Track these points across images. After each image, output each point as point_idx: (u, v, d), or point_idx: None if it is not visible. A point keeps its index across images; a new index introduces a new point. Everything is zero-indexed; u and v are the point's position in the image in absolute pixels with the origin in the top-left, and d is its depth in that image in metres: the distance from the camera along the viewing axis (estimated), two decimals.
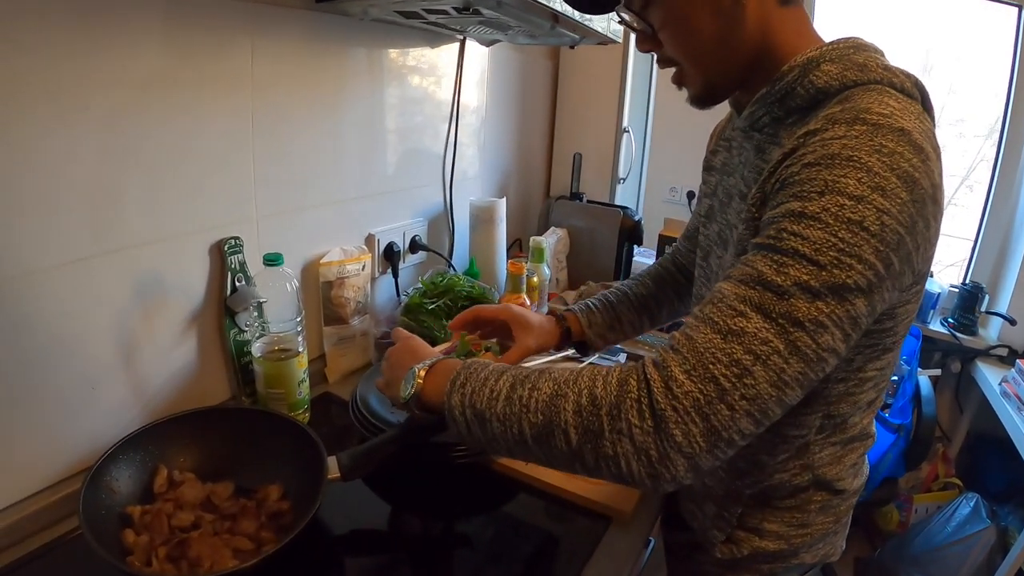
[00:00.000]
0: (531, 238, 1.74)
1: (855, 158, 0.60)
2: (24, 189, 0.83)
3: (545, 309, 1.73)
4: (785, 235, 0.61)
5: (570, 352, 1.20)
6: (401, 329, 0.99)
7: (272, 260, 1.07)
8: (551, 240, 1.91)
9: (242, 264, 1.15)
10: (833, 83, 0.70)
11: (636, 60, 2.17)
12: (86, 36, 0.86)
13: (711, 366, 0.59)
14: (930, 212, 0.63)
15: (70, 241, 0.91)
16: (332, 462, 0.91)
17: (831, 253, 0.59)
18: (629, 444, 0.60)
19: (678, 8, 0.75)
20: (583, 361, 1.24)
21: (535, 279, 1.64)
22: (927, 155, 0.62)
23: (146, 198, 0.99)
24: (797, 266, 0.60)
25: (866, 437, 0.91)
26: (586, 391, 0.64)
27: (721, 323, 0.61)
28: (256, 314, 1.12)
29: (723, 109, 0.92)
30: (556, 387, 0.66)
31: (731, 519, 0.93)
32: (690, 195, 2.74)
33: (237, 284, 1.14)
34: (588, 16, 1.25)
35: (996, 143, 2.41)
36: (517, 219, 2.19)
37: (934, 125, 0.70)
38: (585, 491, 1.04)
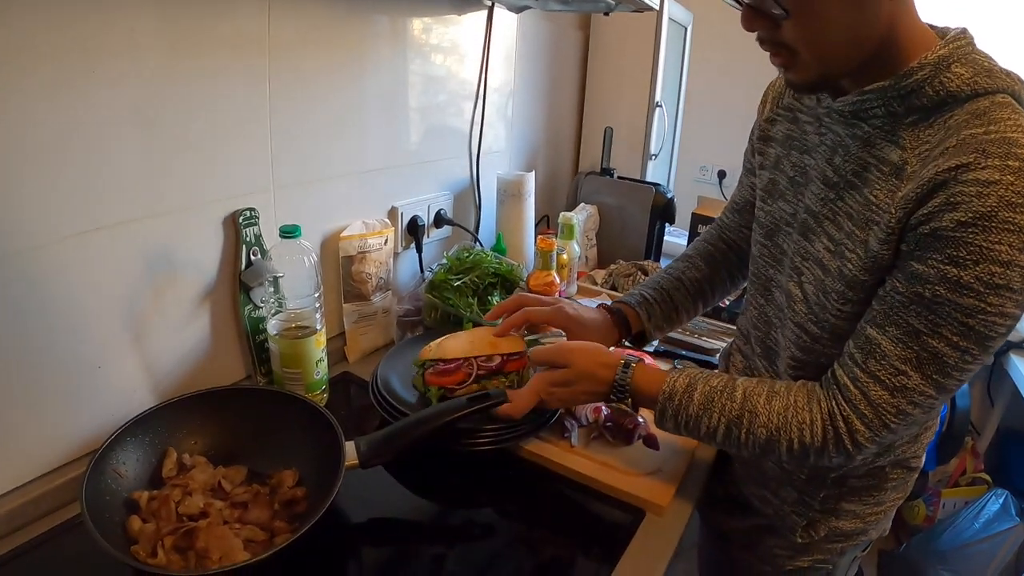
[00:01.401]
0: (560, 214, 1.70)
1: (1009, 220, 0.63)
2: (25, 159, 0.79)
3: (575, 288, 1.69)
4: (940, 299, 0.68)
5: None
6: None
7: (289, 232, 1.02)
8: (581, 217, 1.86)
9: (257, 237, 1.10)
10: (964, 88, 0.71)
11: (669, 33, 2.12)
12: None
13: (886, 415, 0.75)
14: None
15: (73, 213, 0.86)
16: (350, 448, 0.88)
17: (980, 316, 0.67)
18: (829, 463, 0.84)
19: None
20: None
21: (565, 257, 1.61)
22: None
23: (155, 167, 0.95)
24: (949, 328, 0.69)
25: (936, 422, 0.98)
26: (796, 439, 0.80)
27: (887, 382, 0.74)
28: (272, 289, 1.08)
29: (746, 94, 0.85)
30: (769, 433, 0.82)
31: (813, 503, 0.97)
32: (721, 174, 2.71)
33: (252, 258, 1.10)
34: None
35: None
36: (545, 195, 2.15)
37: None
38: (619, 482, 0.99)
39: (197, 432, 0.95)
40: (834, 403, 0.79)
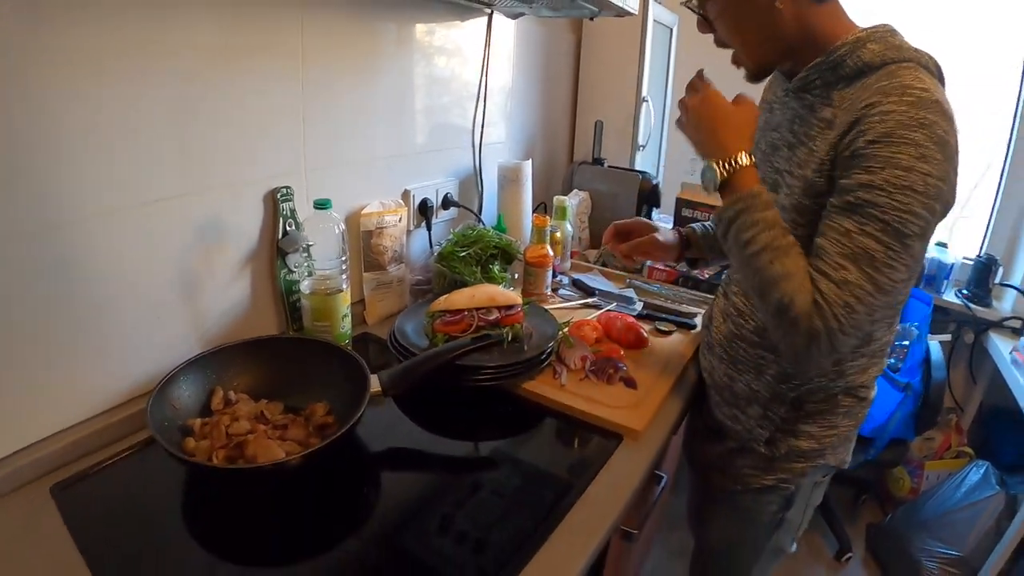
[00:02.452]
0: (554, 197, 1.85)
1: (904, 135, 0.82)
2: (105, 139, 0.94)
3: (568, 264, 1.85)
4: (862, 201, 0.85)
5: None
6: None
7: (322, 204, 1.18)
8: (574, 201, 2.01)
9: (292, 211, 1.26)
10: (876, 59, 0.91)
11: (655, 34, 2.25)
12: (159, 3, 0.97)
13: (834, 308, 0.87)
14: (956, 162, 0.86)
15: (144, 185, 1.01)
16: (374, 380, 1.02)
17: (893, 211, 0.83)
18: (792, 338, 0.92)
19: (730, 8, 1.00)
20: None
21: (558, 235, 1.75)
22: (951, 120, 0.85)
23: (209, 149, 1.11)
24: (870, 225, 0.85)
25: (883, 355, 1.11)
26: (793, 294, 0.90)
27: (832, 275, 0.88)
28: (305, 255, 1.24)
29: (730, 88, 1.04)
30: (783, 271, 0.91)
31: (775, 419, 1.13)
32: None
33: (288, 229, 1.26)
34: None
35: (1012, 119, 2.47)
36: (542, 183, 2.28)
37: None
38: (601, 413, 1.15)
39: (240, 374, 1.09)
40: (817, 293, 0.89)
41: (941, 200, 0.85)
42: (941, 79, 0.94)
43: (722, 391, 1.22)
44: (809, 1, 0.96)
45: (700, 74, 1.04)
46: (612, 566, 1.19)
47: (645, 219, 1.45)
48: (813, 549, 2.44)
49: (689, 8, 1.07)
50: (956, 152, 0.85)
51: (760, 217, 0.93)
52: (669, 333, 1.50)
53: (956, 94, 0.92)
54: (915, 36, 0.95)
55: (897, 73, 0.88)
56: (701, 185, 1.02)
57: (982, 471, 2.30)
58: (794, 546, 1.31)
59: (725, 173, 0.96)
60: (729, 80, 1.06)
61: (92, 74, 0.90)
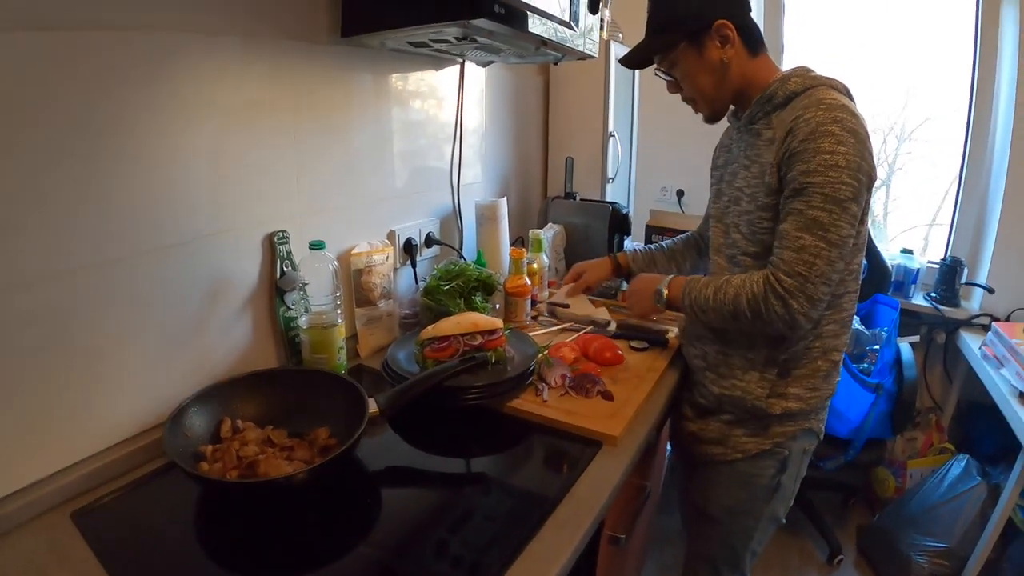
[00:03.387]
0: (530, 231, 1.96)
1: (823, 130, 1.11)
2: (122, 191, 1.06)
3: (546, 293, 1.96)
4: (804, 184, 1.13)
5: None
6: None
7: (317, 245, 1.30)
8: (548, 234, 2.12)
9: (289, 253, 1.37)
10: (799, 87, 1.22)
11: (618, 73, 2.38)
12: (164, 65, 1.10)
13: (796, 266, 1.15)
14: (868, 145, 1.14)
15: (158, 232, 1.13)
16: (371, 402, 1.11)
17: (828, 185, 1.11)
18: (774, 313, 1.18)
19: (689, 69, 1.30)
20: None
21: (535, 266, 1.86)
22: (857, 116, 1.15)
23: (213, 199, 1.22)
24: (814, 199, 1.13)
25: (849, 325, 1.35)
26: (750, 292, 1.21)
27: (792, 245, 1.15)
28: (301, 294, 1.34)
29: (690, 121, 1.44)
30: (735, 290, 1.23)
31: (770, 378, 1.33)
32: (679, 193, 2.96)
33: (285, 269, 1.36)
34: (565, 35, 1.50)
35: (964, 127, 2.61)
36: (518, 218, 2.39)
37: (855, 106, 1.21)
38: (581, 422, 1.24)
39: (246, 403, 1.17)
40: (768, 270, 1.20)
41: (862, 171, 1.12)
42: (849, 95, 1.24)
43: (718, 368, 1.41)
44: (747, 57, 1.28)
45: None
46: (603, 573, 1.27)
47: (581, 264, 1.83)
48: (805, 554, 2.50)
49: (660, 76, 1.38)
50: (866, 137, 1.14)
51: (701, 286, 1.31)
52: (643, 350, 1.61)
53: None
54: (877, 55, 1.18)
55: (814, 93, 1.18)
56: (659, 305, 1.43)
57: (963, 464, 2.36)
58: (784, 519, 1.45)
59: (665, 291, 1.40)
60: (683, 114, 1.43)
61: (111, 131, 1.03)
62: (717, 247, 1.42)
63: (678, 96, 1.39)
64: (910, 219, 3.19)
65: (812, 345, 1.31)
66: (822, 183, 1.11)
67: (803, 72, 1.25)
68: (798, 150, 1.14)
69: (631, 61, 1.39)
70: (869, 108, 2.86)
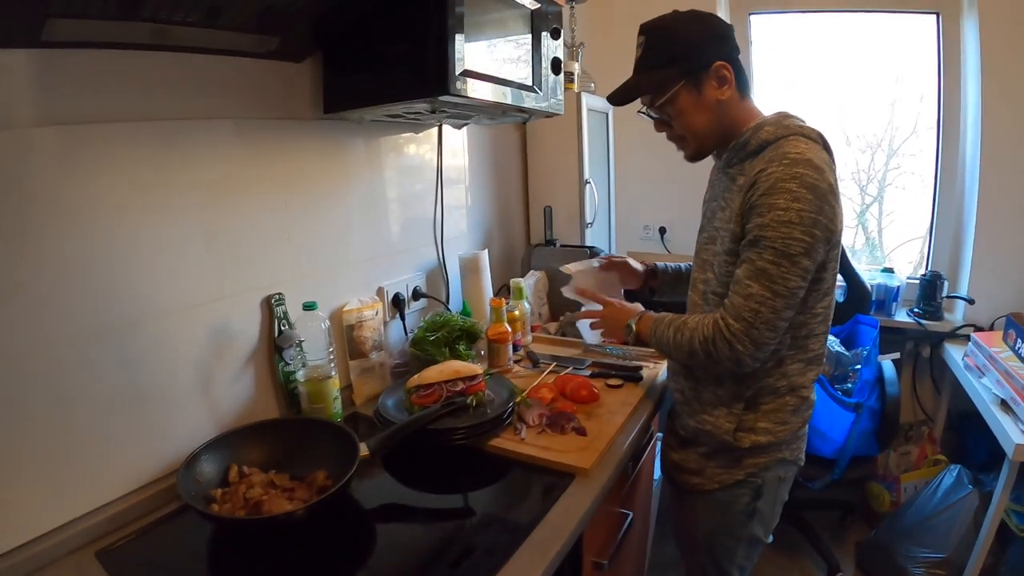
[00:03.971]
0: (511, 280, 2.06)
1: (781, 186, 1.16)
2: (145, 260, 1.22)
3: (530, 338, 2.07)
4: (758, 236, 1.18)
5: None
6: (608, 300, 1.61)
7: (309, 306, 1.43)
8: (530, 281, 2.23)
9: (285, 313, 1.50)
10: (770, 137, 1.26)
11: (591, 122, 2.48)
12: (168, 150, 1.25)
13: (742, 311, 1.21)
14: (830, 199, 1.19)
15: (168, 298, 1.27)
16: (362, 446, 1.22)
17: (780, 240, 1.16)
18: (722, 354, 1.25)
19: (685, 108, 1.32)
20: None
21: (516, 313, 1.96)
22: (822, 170, 1.18)
23: (216, 267, 1.36)
24: (765, 252, 1.18)
25: (818, 363, 1.39)
26: (701, 335, 1.27)
27: (741, 292, 1.22)
28: (298, 350, 1.46)
29: (667, 160, 1.52)
30: (690, 332, 1.30)
31: (736, 413, 1.38)
32: (662, 230, 3.05)
33: (282, 328, 1.49)
34: (529, 99, 1.62)
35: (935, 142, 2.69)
36: (503, 266, 2.50)
37: (831, 155, 1.27)
38: (556, 457, 1.35)
39: (251, 450, 1.28)
40: (719, 313, 1.26)
41: (818, 226, 1.17)
42: (824, 144, 1.28)
43: (692, 403, 1.46)
44: (738, 100, 1.32)
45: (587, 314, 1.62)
46: None
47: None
48: (805, 573, 2.54)
49: (646, 114, 1.40)
50: (828, 192, 1.18)
51: (664, 326, 1.38)
52: (619, 386, 1.72)
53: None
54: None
55: (782, 145, 1.22)
56: (627, 337, 1.49)
57: (955, 474, 2.38)
58: (770, 538, 1.52)
59: (635, 325, 1.46)
60: (659, 154, 1.56)
61: (120, 214, 1.18)
62: (694, 283, 1.48)
63: (653, 136, 1.45)
64: (904, 233, 3.21)
65: (778, 383, 1.35)
66: (774, 237, 1.16)
67: (777, 121, 1.28)
68: (756, 203, 1.19)
69: (620, 98, 1.37)
70: (855, 126, 2.99)
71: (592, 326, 1.59)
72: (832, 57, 2.97)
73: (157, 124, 1.23)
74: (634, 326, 1.46)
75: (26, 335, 1.05)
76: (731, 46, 1.31)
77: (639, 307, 1.54)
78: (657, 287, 1.78)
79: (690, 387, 1.46)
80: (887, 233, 3.31)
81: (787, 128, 1.25)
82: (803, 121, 1.31)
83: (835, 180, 1.23)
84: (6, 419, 1.03)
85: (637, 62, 1.36)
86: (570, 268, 1.71)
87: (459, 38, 1.30)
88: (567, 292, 1.68)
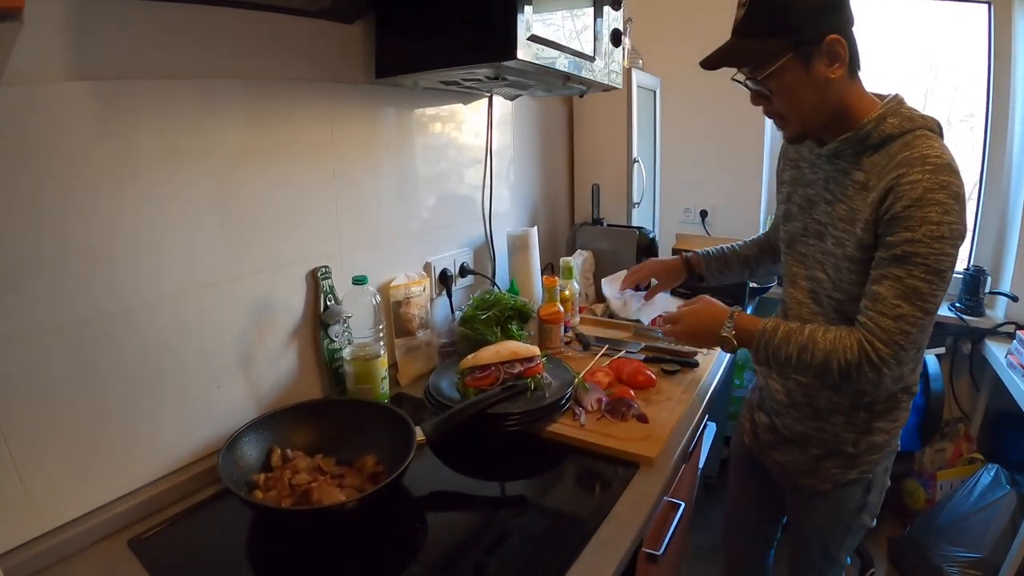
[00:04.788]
0: (561, 259, 2.01)
1: (930, 198, 1.05)
2: (182, 231, 1.14)
3: (577, 319, 2.00)
4: (907, 252, 1.08)
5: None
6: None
7: (360, 280, 1.36)
8: (578, 261, 2.17)
9: (331, 287, 1.43)
10: (895, 130, 1.14)
11: (640, 98, 2.42)
12: (206, 111, 1.17)
13: (894, 336, 1.11)
14: (965, 203, 1.09)
15: (207, 270, 1.20)
16: (418, 430, 1.16)
17: (932, 257, 1.07)
18: (866, 378, 1.15)
19: (791, 83, 1.16)
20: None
21: (567, 292, 1.90)
22: (959, 174, 1.09)
23: (258, 238, 1.29)
24: (916, 270, 1.08)
25: (922, 355, 1.33)
26: (843, 358, 1.15)
27: (890, 313, 1.11)
28: (344, 327, 1.40)
29: (711, 143, 1.26)
30: (825, 354, 1.17)
31: (856, 422, 1.35)
32: (703, 213, 2.99)
33: (328, 304, 1.42)
34: (589, 70, 1.54)
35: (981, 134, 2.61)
36: (548, 245, 2.44)
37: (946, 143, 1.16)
38: (618, 445, 1.28)
39: (294, 433, 1.22)
40: (861, 335, 1.15)
41: (961, 236, 1.09)
42: (942, 134, 1.17)
43: (802, 407, 1.40)
44: (847, 79, 1.17)
45: (664, 318, 1.44)
46: None
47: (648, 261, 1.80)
48: None
49: (743, 84, 1.23)
50: (965, 198, 1.09)
51: (780, 340, 1.22)
52: (675, 372, 1.65)
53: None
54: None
55: (914, 143, 1.11)
56: (724, 350, 1.35)
57: (992, 473, 2.36)
58: (874, 521, 1.50)
59: (731, 333, 1.29)
60: (704, 137, 1.27)
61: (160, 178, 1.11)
62: (792, 278, 1.40)
63: (699, 119, 1.36)
64: None
65: (895, 387, 1.31)
66: (926, 254, 1.07)
67: (897, 109, 1.16)
68: (902, 215, 1.08)
69: (714, 62, 1.21)
70: None
71: (669, 333, 1.43)
72: (870, 42, 2.87)
73: (196, 83, 1.15)
74: (731, 335, 1.30)
75: (52, 310, 0.97)
76: (847, 17, 1.15)
77: (725, 308, 1.36)
78: (706, 275, 1.72)
79: (800, 391, 1.40)
80: None
81: (912, 120, 1.15)
82: (915, 108, 1.19)
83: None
84: (31, 399, 0.97)
85: (737, 24, 1.18)
86: (613, 295, 1.69)
87: (527, 2, 1.24)
88: (621, 309, 1.63)
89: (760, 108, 1.26)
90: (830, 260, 1.26)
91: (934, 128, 1.16)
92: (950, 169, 1.08)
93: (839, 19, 1.14)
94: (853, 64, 1.17)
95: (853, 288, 1.22)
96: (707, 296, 1.41)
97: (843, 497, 1.43)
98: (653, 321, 1.51)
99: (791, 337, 1.21)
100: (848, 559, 1.57)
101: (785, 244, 1.42)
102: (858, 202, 1.18)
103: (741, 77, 1.23)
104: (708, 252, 1.71)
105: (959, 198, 1.07)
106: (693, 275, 1.74)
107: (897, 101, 1.18)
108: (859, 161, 1.20)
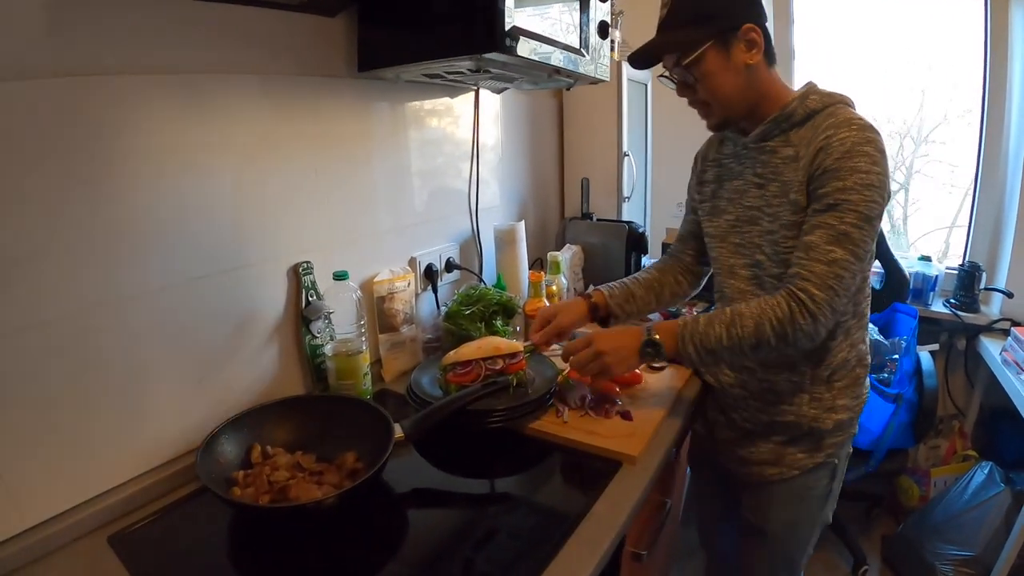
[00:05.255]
0: (548, 253, 1.99)
1: (859, 150, 1.14)
2: (150, 227, 1.12)
3: None
4: (839, 200, 1.14)
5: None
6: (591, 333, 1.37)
7: (341, 276, 1.35)
8: (567, 256, 2.15)
9: (313, 283, 1.42)
10: (818, 105, 1.24)
11: (631, 93, 2.40)
12: (189, 107, 1.16)
13: (827, 280, 1.15)
14: (888, 168, 1.17)
15: (185, 265, 1.18)
16: (397, 427, 1.14)
17: (863, 203, 1.13)
18: (802, 331, 1.16)
19: (713, 70, 1.25)
20: None
21: (554, 288, 1.89)
22: (880, 135, 1.17)
23: (238, 232, 1.27)
24: (848, 216, 1.14)
25: (867, 327, 1.39)
26: (773, 318, 1.17)
27: (823, 259, 1.15)
28: (326, 323, 1.39)
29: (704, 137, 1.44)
30: (755, 321, 1.18)
31: (819, 396, 1.36)
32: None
33: (310, 299, 1.41)
34: (576, 62, 1.53)
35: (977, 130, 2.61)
36: (537, 240, 2.42)
37: None
38: (601, 443, 1.27)
39: (275, 430, 1.20)
40: (791, 286, 1.18)
41: (886, 190, 1.17)
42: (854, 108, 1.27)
43: (764, 396, 1.41)
44: (766, 68, 1.28)
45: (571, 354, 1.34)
46: None
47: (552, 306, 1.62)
48: (830, 566, 2.49)
49: (667, 79, 1.34)
50: (886, 157, 1.17)
51: (704, 325, 1.23)
52: (661, 368, 1.63)
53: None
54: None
55: (837, 112, 1.20)
56: (653, 359, 1.31)
57: (986, 471, 2.36)
58: (831, 517, 1.52)
59: (654, 336, 1.27)
60: (697, 130, 1.42)
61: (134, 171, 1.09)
62: (731, 269, 1.41)
63: (692, 113, 1.37)
64: (930, 223, 3.19)
65: (849, 355, 1.34)
66: (857, 201, 1.13)
67: (817, 89, 1.27)
68: (833, 168, 1.15)
69: (642, 58, 1.30)
70: (884, 111, 2.95)
71: (578, 372, 1.35)
72: (867, 40, 2.93)
73: (179, 78, 1.14)
74: (656, 337, 1.27)
75: (31, 307, 0.97)
76: (760, 11, 1.26)
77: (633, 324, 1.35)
78: (613, 309, 1.55)
79: (756, 380, 1.40)
80: (912, 221, 3.29)
81: (831, 96, 1.25)
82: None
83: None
84: (11, 396, 0.96)
85: (661, 22, 1.29)
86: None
87: None
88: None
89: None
90: (768, 239, 1.30)
91: (849, 103, 1.26)
92: (873, 129, 1.17)
93: (753, 11, 1.25)
94: (769, 55, 1.28)
95: (791, 255, 1.24)
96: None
97: (810, 485, 1.43)
98: (570, 373, 1.43)
99: (714, 319, 1.23)
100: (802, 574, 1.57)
101: (718, 240, 1.45)
102: (789, 173, 1.24)
103: (667, 74, 1.33)
104: (610, 286, 1.58)
105: (884, 155, 1.16)
106: (599, 314, 1.56)
107: (813, 84, 1.29)
108: (787, 138, 1.27)
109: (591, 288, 1.63)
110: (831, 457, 1.41)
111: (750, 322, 1.19)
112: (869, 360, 1.40)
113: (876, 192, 1.14)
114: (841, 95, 1.26)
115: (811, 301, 1.15)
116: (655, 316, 1.82)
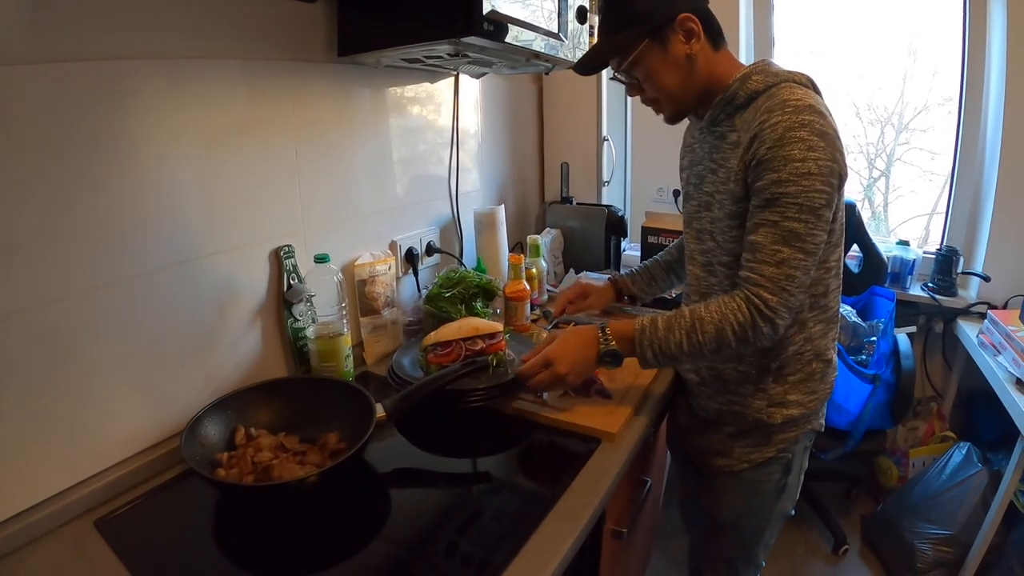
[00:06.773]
0: (528, 236, 2.01)
1: (791, 136, 1.06)
2: (132, 212, 1.12)
3: (545, 296, 2.01)
4: (776, 194, 1.09)
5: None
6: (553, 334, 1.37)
7: (322, 259, 1.36)
8: (546, 239, 2.17)
9: (295, 266, 1.43)
10: (760, 86, 1.17)
11: (609, 79, 2.40)
12: (169, 91, 1.16)
13: (780, 282, 1.11)
14: (839, 144, 1.10)
15: (167, 250, 1.19)
16: (378, 407, 1.16)
17: (802, 195, 1.07)
18: (761, 335, 1.14)
19: (653, 67, 1.22)
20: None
21: (533, 271, 1.91)
22: (825, 116, 1.09)
23: (222, 217, 1.28)
24: (788, 210, 1.08)
25: (836, 322, 1.34)
26: (733, 321, 1.14)
27: (771, 260, 1.11)
28: (308, 305, 1.40)
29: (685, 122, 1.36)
30: (716, 327, 1.15)
31: (766, 388, 1.31)
32: (675, 193, 2.98)
33: (292, 282, 1.42)
34: (554, 47, 1.54)
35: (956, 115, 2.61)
36: (517, 224, 2.44)
37: (823, 99, 1.17)
38: (580, 420, 1.29)
39: (258, 412, 1.22)
40: (746, 290, 1.14)
41: (834, 174, 1.09)
42: (815, 88, 1.20)
43: (712, 384, 1.39)
44: (711, 51, 1.22)
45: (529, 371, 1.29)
46: (607, 567, 1.32)
47: (587, 285, 1.80)
48: (810, 545, 2.52)
49: (619, 80, 1.32)
50: (836, 137, 1.10)
51: (663, 331, 1.21)
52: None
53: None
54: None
55: (776, 94, 1.13)
56: (611, 367, 1.29)
57: (964, 451, 2.37)
58: (793, 511, 1.48)
59: (611, 345, 1.25)
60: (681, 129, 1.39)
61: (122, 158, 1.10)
62: (691, 255, 1.41)
63: None
64: (911, 209, 3.18)
65: (803, 349, 1.29)
66: (795, 193, 1.07)
67: (763, 68, 1.19)
68: (766, 158, 1.09)
69: (587, 66, 1.30)
70: (866, 98, 2.95)
71: (545, 381, 1.28)
72: (847, 27, 2.90)
73: (161, 63, 1.14)
74: (613, 346, 1.25)
75: (14, 293, 0.97)
76: None
77: (590, 325, 1.31)
78: (635, 292, 1.75)
79: (707, 366, 1.39)
80: (892, 208, 3.29)
81: (776, 75, 1.17)
82: (784, 68, 1.22)
83: (835, 125, 1.14)
84: None
85: (599, 26, 1.28)
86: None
87: None
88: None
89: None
90: (718, 227, 1.27)
91: (802, 81, 1.18)
92: (812, 110, 1.08)
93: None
94: (713, 38, 1.22)
95: (736, 246, 1.22)
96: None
97: (760, 479, 1.40)
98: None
99: (673, 324, 1.20)
100: (763, 562, 1.55)
101: (685, 225, 1.44)
102: (733, 160, 1.19)
103: (619, 76, 1.30)
104: (632, 270, 1.75)
105: (825, 136, 1.08)
106: (622, 296, 1.78)
107: (764, 63, 1.22)
108: (732, 122, 1.22)
109: (616, 274, 1.82)
110: (783, 452, 1.37)
111: (711, 328, 1.16)
112: (831, 355, 1.35)
113: (817, 179, 1.07)
114: (792, 73, 1.19)
115: (766, 307, 1.13)
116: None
